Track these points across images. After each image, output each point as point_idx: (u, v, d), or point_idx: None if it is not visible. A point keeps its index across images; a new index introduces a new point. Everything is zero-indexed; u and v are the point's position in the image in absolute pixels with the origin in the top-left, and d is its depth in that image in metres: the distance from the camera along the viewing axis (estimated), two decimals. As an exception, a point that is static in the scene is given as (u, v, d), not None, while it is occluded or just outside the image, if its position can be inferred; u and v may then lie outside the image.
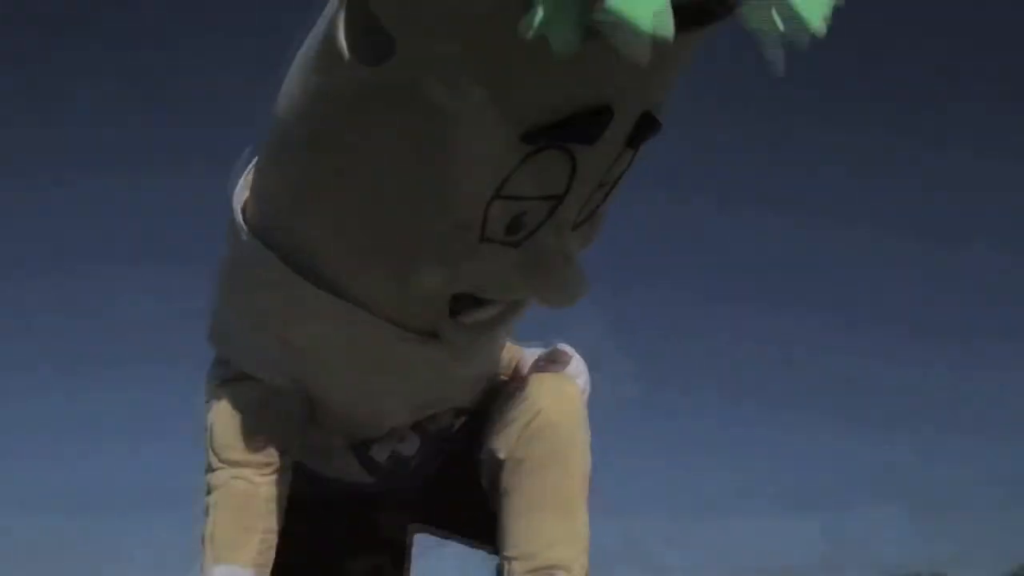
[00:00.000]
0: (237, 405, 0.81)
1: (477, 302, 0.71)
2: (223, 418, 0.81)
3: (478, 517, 0.88)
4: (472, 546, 0.95)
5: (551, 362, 0.92)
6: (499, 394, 0.93)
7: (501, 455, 0.86)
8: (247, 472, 0.82)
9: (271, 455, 0.81)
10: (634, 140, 0.60)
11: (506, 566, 0.82)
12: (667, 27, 0.38)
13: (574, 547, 0.85)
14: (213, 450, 0.83)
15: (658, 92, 0.59)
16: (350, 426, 0.92)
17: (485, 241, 0.63)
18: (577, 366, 0.99)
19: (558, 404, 0.91)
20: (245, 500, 0.82)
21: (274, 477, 0.82)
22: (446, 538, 1.00)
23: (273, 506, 0.82)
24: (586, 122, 0.54)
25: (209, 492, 0.83)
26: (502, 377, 0.97)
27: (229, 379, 0.83)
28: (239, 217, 0.69)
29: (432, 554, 1.07)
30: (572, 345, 1.02)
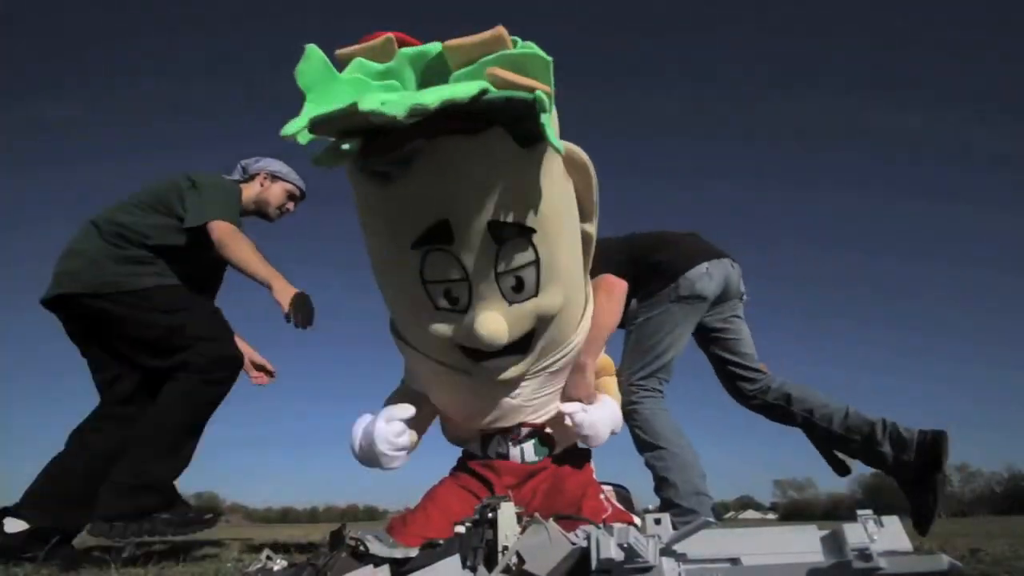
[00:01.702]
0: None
1: (490, 353, 1.28)
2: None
3: None
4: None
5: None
6: None
7: None
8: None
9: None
10: (498, 239, 1.06)
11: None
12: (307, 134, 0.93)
13: None
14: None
15: (491, 205, 1.02)
16: (463, 429, 1.63)
17: (439, 310, 1.21)
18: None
19: None
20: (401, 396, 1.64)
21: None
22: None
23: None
24: (435, 233, 1.03)
25: None
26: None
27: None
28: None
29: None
30: None
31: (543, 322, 1.29)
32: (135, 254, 1.84)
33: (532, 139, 1.06)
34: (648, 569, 0.85)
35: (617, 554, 0.86)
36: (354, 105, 0.84)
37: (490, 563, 1.07)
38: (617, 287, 1.70)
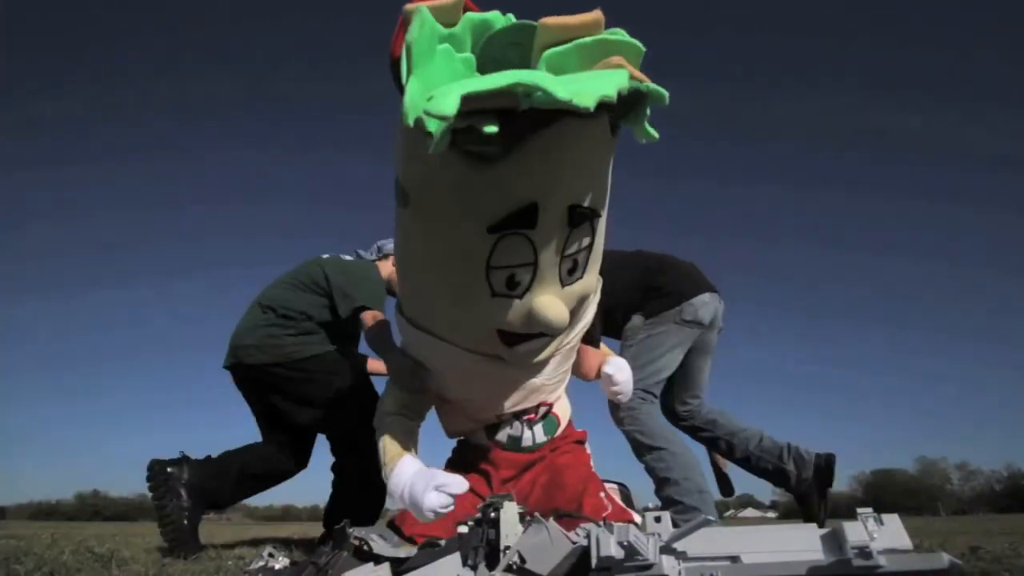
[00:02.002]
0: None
1: (525, 336, 1.29)
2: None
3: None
4: None
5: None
6: None
7: None
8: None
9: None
10: (573, 223, 1.09)
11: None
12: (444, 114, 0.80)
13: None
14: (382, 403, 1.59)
15: (578, 189, 1.06)
16: (472, 415, 1.61)
17: (496, 296, 1.18)
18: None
19: None
20: (404, 427, 1.53)
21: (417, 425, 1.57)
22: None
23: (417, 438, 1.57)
24: (520, 216, 1.02)
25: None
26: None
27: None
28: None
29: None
30: None
31: (581, 303, 1.35)
32: (300, 327, 2.18)
33: (617, 127, 1.10)
34: (648, 567, 0.85)
35: (617, 552, 0.86)
36: (529, 87, 0.82)
37: (491, 562, 1.07)
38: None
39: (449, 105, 0.81)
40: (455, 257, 1.20)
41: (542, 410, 1.59)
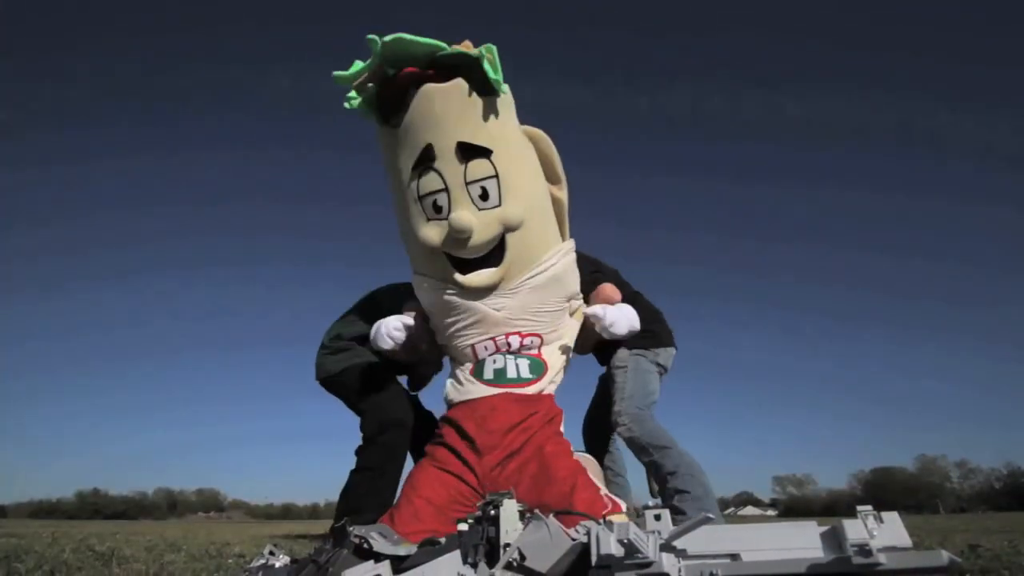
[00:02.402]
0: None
1: (476, 263, 1.66)
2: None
3: None
4: None
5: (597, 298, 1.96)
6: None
7: None
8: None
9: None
10: (466, 157, 1.55)
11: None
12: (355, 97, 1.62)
13: None
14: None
15: (461, 132, 1.56)
16: (458, 356, 1.84)
17: (430, 220, 1.66)
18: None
19: None
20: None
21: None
22: None
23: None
24: (424, 155, 1.58)
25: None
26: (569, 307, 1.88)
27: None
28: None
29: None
30: None
31: (510, 232, 1.68)
32: (334, 346, 2.45)
33: (487, 90, 1.63)
34: (648, 565, 0.85)
35: (617, 550, 0.86)
36: (379, 49, 1.51)
37: (491, 559, 1.07)
38: (618, 294, 2.14)
39: (342, 79, 1.54)
40: (404, 198, 1.78)
41: (514, 341, 1.75)
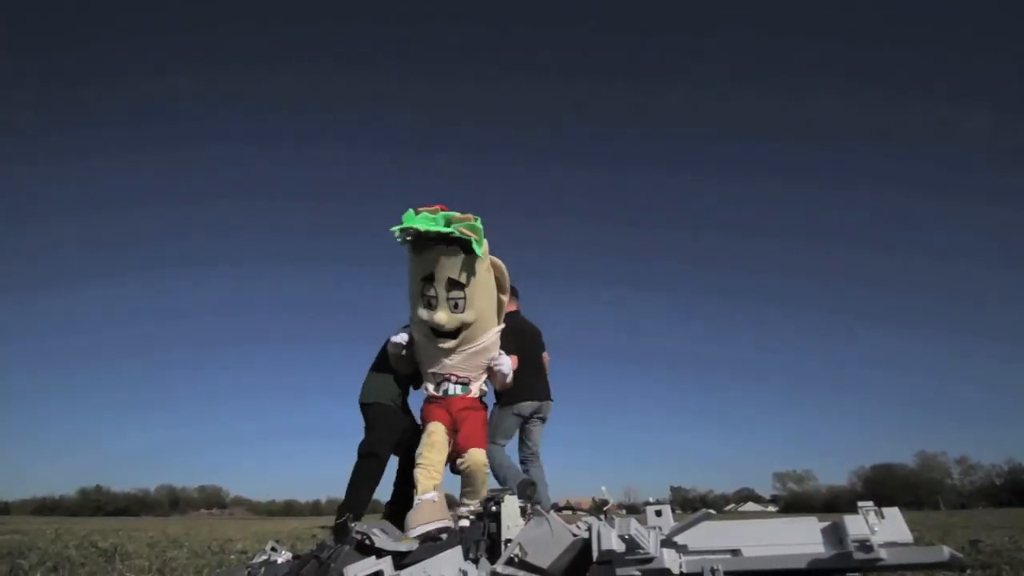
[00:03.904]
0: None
1: (440, 334, 2.97)
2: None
3: None
4: None
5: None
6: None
7: None
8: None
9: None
10: (451, 286, 2.90)
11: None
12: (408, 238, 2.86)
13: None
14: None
15: (451, 273, 2.85)
16: (429, 376, 3.16)
17: (425, 308, 2.97)
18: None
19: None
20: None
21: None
22: None
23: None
24: (428, 276, 2.89)
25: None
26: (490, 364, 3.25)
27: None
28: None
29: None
30: None
31: (464, 325, 2.95)
32: (368, 377, 3.43)
33: (471, 252, 2.78)
34: (649, 560, 0.86)
35: (618, 545, 0.86)
36: (410, 227, 2.71)
37: (492, 555, 1.07)
38: (514, 361, 3.31)
39: (400, 228, 2.75)
40: (414, 291, 2.97)
41: (454, 378, 3.13)
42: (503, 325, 3.27)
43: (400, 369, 3.20)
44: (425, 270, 2.86)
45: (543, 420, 3.60)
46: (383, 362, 3.29)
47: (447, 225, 2.73)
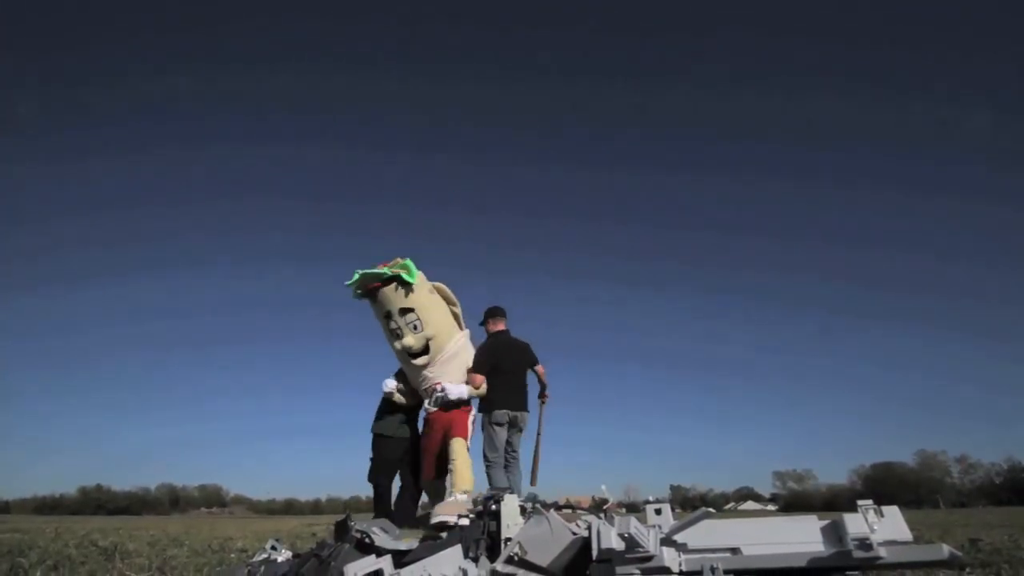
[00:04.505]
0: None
1: (413, 355, 3.72)
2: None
3: None
4: None
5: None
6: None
7: None
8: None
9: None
10: (403, 313, 3.70)
11: None
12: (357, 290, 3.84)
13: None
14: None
15: (399, 305, 3.70)
16: (416, 391, 3.95)
17: (395, 339, 3.80)
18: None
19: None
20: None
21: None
22: None
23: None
24: (387, 314, 3.77)
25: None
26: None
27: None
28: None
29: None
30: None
31: (428, 339, 3.67)
32: (380, 410, 4.13)
33: (407, 283, 3.64)
34: (649, 559, 0.86)
35: (618, 544, 0.86)
36: (356, 279, 3.69)
37: (492, 553, 1.08)
38: (480, 379, 3.86)
39: (352, 284, 3.73)
40: (385, 331, 3.82)
41: (439, 387, 3.69)
42: (467, 331, 4.04)
43: (405, 402, 3.91)
44: (382, 309, 3.69)
45: (520, 430, 4.07)
46: (384, 400, 4.00)
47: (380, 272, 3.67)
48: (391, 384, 3.90)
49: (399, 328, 3.65)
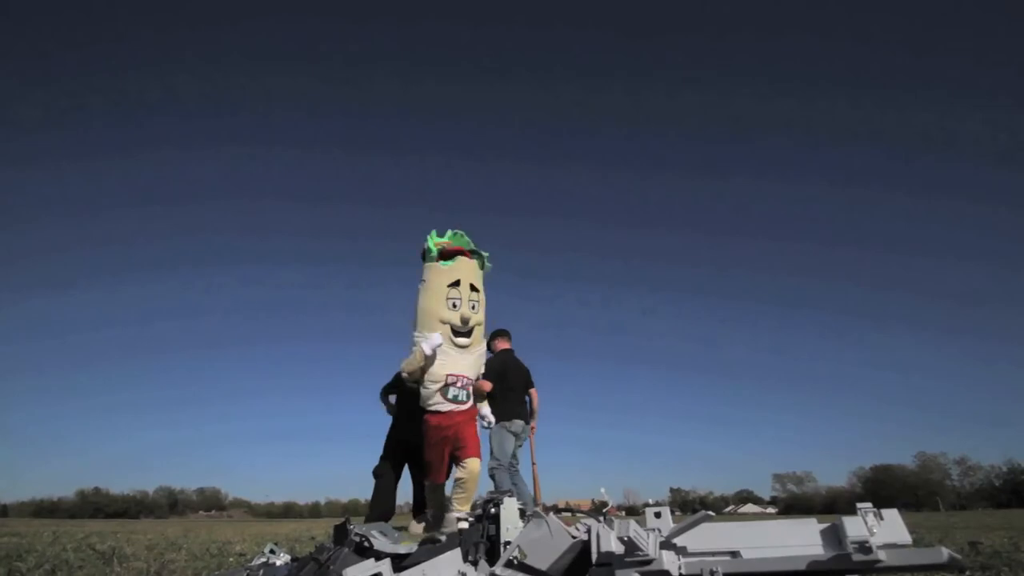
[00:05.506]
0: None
1: (459, 333, 3.88)
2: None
3: None
4: None
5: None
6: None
7: None
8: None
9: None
10: (472, 288, 3.96)
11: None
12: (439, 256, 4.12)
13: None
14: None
15: (473, 278, 4.00)
16: (437, 379, 3.79)
17: (450, 310, 3.89)
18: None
19: None
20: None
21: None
22: None
23: None
24: (455, 281, 3.95)
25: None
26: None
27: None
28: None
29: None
30: None
31: (478, 324, 3.91)
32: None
33: (483, 266, 4.17)
34: (648, 562, 0.85)
35: (617, 547, 0.86)
36: (452, 235, 4.12)
37: (492, 557, 1.07)
38: (489, 385, 4.05)
39: (444, 237, 4.09)
40: (434, 295, 3.84)
41: (460, 383, 3.71)
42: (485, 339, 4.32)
43: (420, 381, 3.90)
44: (453, 275, 3.80)
45: (521, 441, 4.41)
46: (387, 443, 4.31)
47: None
48: (437, 339, 3.59)
49: (460, 299, 3.73)
